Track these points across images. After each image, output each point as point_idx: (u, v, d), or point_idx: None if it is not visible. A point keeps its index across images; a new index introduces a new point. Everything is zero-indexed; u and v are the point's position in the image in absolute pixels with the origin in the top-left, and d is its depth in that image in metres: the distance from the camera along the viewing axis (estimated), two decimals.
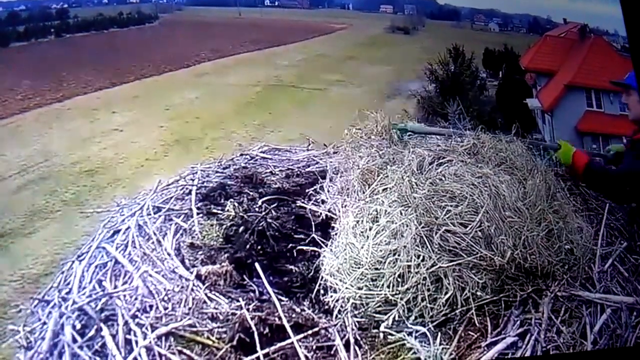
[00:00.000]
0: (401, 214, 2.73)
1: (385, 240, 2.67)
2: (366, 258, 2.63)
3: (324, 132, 5.12)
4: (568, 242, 2.82)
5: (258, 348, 2.35)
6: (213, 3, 8.93)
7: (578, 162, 3.28)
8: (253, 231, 3.15)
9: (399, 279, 2.54)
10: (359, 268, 2.63)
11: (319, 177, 3.80)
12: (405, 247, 2.60)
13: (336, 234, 2.97)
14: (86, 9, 8.03)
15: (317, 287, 2.69)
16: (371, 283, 2.58)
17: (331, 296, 2.61)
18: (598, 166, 3.40)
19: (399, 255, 2.59)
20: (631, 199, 3.26)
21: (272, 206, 3.48)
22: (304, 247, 3.04)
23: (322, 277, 2.70)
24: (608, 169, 3.48)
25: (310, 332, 2.44)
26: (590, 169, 3.27)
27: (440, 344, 2.41)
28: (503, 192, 2.78)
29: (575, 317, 2.58)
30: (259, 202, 3.53)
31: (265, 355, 2.34)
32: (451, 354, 2.40)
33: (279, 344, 2.38)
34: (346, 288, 2.58)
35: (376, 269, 2.60)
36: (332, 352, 2.37)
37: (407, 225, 2.66)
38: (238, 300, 2.62)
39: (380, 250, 2.63)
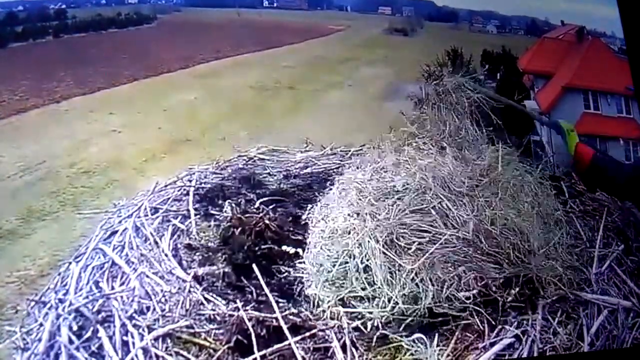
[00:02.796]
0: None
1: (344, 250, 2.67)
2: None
3: (322, 133, 5.12)
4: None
5: (255, 350, 2.35)
6: (212, 4, 8.92)
7: (582, 155, 3.03)
8: (251, 232, 3.15)
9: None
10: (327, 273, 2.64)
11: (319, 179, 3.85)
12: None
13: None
14: (84, 10, 8.01)
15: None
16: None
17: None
18: (604, 159, 3.12)
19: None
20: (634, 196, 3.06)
21: (269, 207, 3.48)
22: (300, 250, 3.04)
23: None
24: (615, 162, 3.20)
25: (307, 334, 2.44)
26: (596, 164, 3.03)
27: (437, 345, 2.42)
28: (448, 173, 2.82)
29: (572, 319, 2.59)
30: (257, 204, 3.53)
31: (263, 357, 2.34)
32: (448, 355, 2.40)
33: (276, 346, 2.38)
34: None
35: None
36: (329, 354, 2.38)
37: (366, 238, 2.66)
38: (235, 302, 2.62)
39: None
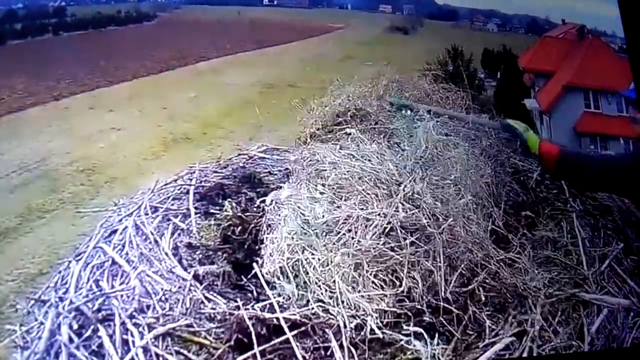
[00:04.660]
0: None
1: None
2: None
3: None
4: None
5: (255, 348, 2.35)
6: (212, 2, 8.90)
7: (547, 155, 2.74)
8: (251, 231, 3.15)
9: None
10: None
11: None
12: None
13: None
14: (84, 7, 8.00)
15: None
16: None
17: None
18: (573, 156, 2.84)
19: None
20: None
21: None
22: None
23: None
24: (584, 154, 3.12)
25: (308, 332, 2.44)
26: (565, 162, 2.76)
27: (437, 344, 2.42)
28: None
29: (572, 318, 2.59)
30: (257, 202, 3.53)
31: (263, 355, 2.34)
32: (448, 354, 2.40)
33: (275, 341, 2.38)
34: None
35: None
36: (329, 353, 2.37)
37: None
38: (236, 301, 2.62)
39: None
